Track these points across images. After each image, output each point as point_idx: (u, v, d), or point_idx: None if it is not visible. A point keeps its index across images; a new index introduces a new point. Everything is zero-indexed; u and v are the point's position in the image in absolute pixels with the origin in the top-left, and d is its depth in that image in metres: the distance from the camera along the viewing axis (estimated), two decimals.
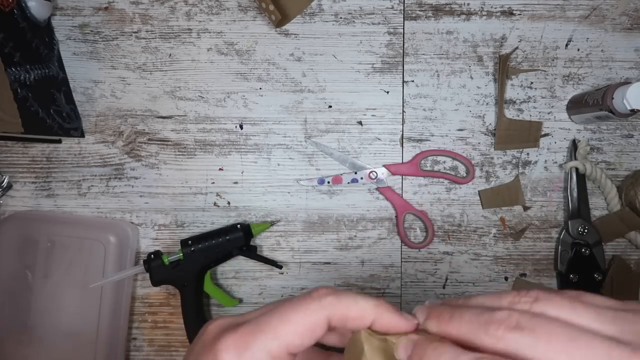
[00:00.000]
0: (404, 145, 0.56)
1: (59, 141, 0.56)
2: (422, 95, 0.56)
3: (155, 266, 0.51)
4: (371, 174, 0.55)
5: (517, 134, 0.55)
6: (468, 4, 0.56)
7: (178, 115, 0.56)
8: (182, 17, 0.56)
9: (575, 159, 0.54)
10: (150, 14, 0.56)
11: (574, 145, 0.55)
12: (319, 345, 0.25)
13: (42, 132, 0.50)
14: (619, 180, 0.56)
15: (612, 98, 0.47)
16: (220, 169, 0.56)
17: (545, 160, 0.56)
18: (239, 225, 0.53)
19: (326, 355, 0.27)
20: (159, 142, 0.56)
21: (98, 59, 0.56)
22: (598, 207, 0.55)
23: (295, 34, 0.56)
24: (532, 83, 0.56)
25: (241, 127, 0.56)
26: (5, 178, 0.55)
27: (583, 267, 0.54)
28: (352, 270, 0.56)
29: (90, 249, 0.52)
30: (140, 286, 0.56)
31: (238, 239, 0.53)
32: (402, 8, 0.56)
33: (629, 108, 0.46)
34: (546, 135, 0.56)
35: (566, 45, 0.56)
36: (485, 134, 0.56)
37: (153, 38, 0.56)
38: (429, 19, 0.56)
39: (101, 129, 0.56)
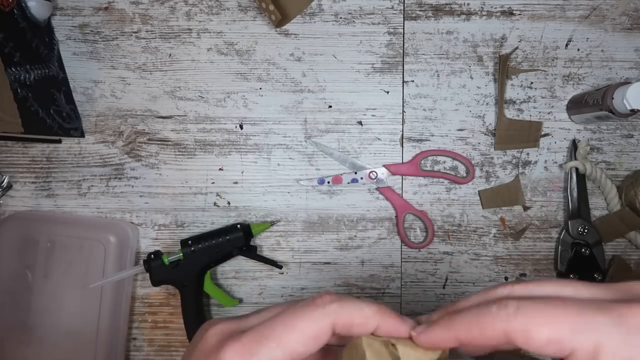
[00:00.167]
0: (404, 145, 0.56)
1: (59, 141, 0.56)
2: (422, 95, 0.56)
3: (155, 266, 0.51)
4: (371, 174, 0.55)
5: (517, 134, 0.55)
6: (468, 4, 0.56)
7: (178, 115, 0.56)
8: (182, 17, 0.56)
9: (575, 159, 0.54)
10: (150, 14, 0.56)
11: (574, 145, 0.55)
12: None
13: (42, 132, 0.50)
14: (619, 180, 0.56)
15: (612, 98, 0.47)
16: (220, 169, 0.56)
17: (545, 160, 0.56)
18: (239, 225, 0.53)
19: (323, 353, 0.27)
20: (159, 142, 0.56)
21: (98, 59, 0.56)
22: (598, 207, 0.55)
23: (295, 34, 0.56)
24: (532, 83, 0.56)
25: (241, 127, 0.56)
26: (5, 178, 0.55)
27: (583, 267, 0.54)
28: (352, 270, 0.56)
29: (90, 249, 0.52)
30: (140, 286, 0.56)
31: (238, 239, 0.53)
32: (402, 8, 0.56)
33: (629, 108, 0.46)
34: (546, 135, 0.56)
35: (566, 45, 0.56)
36: (485, 134, 0.56)
37: (153, 38, 0.56)
38: (429, 19, 0.56)
39: (101, 129, 0.56)
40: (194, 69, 0.56)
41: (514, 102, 0.56)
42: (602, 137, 0.56)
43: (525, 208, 0.56)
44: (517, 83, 0.56)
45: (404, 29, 0.56)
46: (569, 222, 0.54)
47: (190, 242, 0.52)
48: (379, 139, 0.56)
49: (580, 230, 0.54)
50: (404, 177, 0.56)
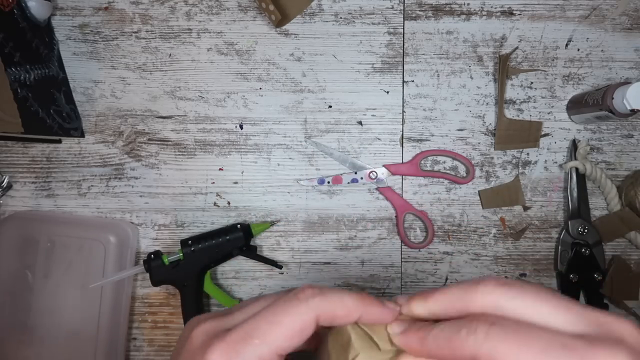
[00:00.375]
0: (404, 145, 0.56)
1: (59, 141, 0.56)
2: (422, 95, 0.56)
3: (155, 266, 0.51)
4: (371, 174, 0.55)
5: (517, 134, 0.55)
6: (468, 4, 0.56)
7: (178, 115, 0.56)
8: (182, 17, 0.56)
9: (575, 159, 0.54)
10: (150, 14, 0.56)
11: (574, 145, 0.55)
12: None
13: (42, 132, 0.50)
14: (619, 180, 0.56)
15: (612, 98, 0.47)
16: (220, 169, 0.56)
17: (545, 160, 0.56)
18: (239, 225, 0.53)
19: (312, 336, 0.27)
20: (159, 142, 0.56)
21: (98, 59, 0.56)
22: (598, 207, 0.55)
23: (295, 34, 0.56)
24: (532, 83, 0.56)
25: (241, 127, 0.56)
26: (5, 178, 0.55)
27: (583, 267, 0.54)
28: (352, 270, 0.56)
29: (90, 249, 0.52)
30: (140, 286, 0.56)
31: (238, 239, 0.53)
32: (402, 8, 0.56)
33: (629, 108, 0.46)
34: (546, 135, 0.56)
35: (566, 45, 0.56)
36: (485, 134, 0.56)
37: (153, 38, 0.56)
38: (429, 19, 0.56)
39: (101, 129, 0.56)
40: (194, 69, 0.56)
41: (514, 102, 0.56)
42: (602, 137, 0.56)
43: (525, 208, 0.56)
44: (517, 83, 0.56)
45: (404, 29, 0.56)
46: (569, 222, 0.54)
47: (190, 242, 0.52)
48: (379, 139, 0.56)
49: (580, 230, 0.54)
50: (404, 177, 0.56)
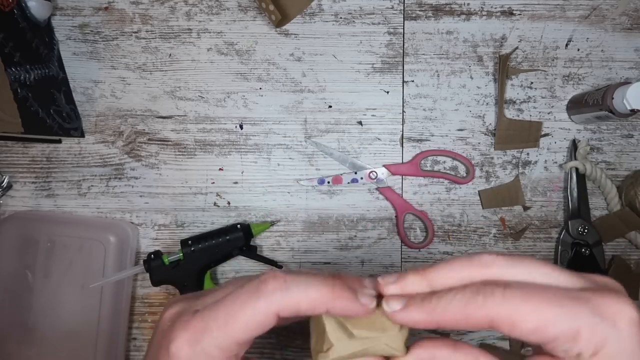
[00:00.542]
0: (404, 145, 0.56)
1: (59, 141, 0.56)
2: (422, 95, 0.56)
3: (155, 266, 0.51)
4: (371, 174, 0.55)
5: (517, 134, 0.55)
6: (468, 4, 0.56)
7: (178, 115, 0.56)
8: (182, 17, 0.56)
9: (575, 159, 0.54)
10: (150, 14, 0.56)
11: (574, 145, 0.55)
12: None
13: (42, 132, 0.50)
14: (619, 180, 0.56)
15: (612, 98, 0.47)
16: (220, 169, 0.56)
17: (545, 160, 0.56)
18: (239, 225, 0.53)
19: None
20: (159, 142, 0.56)
21: (98, 59, 0.56)
22: (598, 207, 0.55)
23: (295, 34, 0.56)
24: (532, 83, 0.56)
25: (241, 127, 0.56)
26: (5, 178, 0.55)
27: (583, 267, 0.54)
28: (352, 270, 0.56)
29: (90, 249, 0.52)
30: (140, 286, 0.56)
31: (238, 239, 0.53)
32: (402, 8, 0.56)
33: (629, 108, 0.46)
34: (546, 135, 0.56)
35: (566, 45, 0.56)
36: (485, 134, 0.56)
37: (153, 38, 0.56)
38: (429, 19, 0.56)
39: (101, 129, 0.56)
40: (194, 69, 0.56)
41: (514, 102, 0.56)
42: (602, 137, 0.56)
43: (525, 208, 0.56)
44: (517, 83, 0.56)
45: (404, 29, 0.56)
46: (569, 222, 0.54)
47: (190, 242, 0.52)
48: (379, 139, 0.56)
49: (580, 230, 0.54)
50: (404, 177, 0.56)
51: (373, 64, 0.56)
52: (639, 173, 0.54)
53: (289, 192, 0.56)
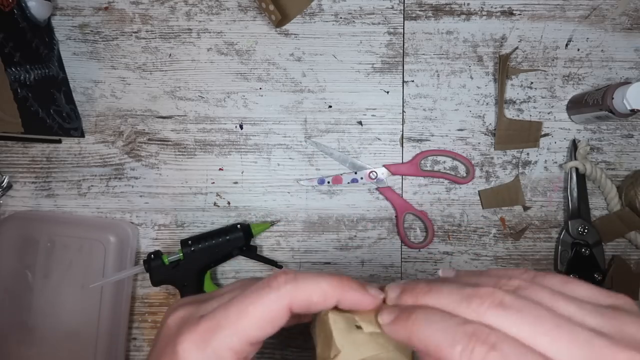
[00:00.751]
0: (404, 145, 0.56)
1: (59, 141, 0.56)
2: (422, 95, 0.56)
3: (155, 266, 0.51)
4: (371, 174, 0.55)
5: (517, 134, 0.55)
6: (468, 4, 0.56)
7: (178, 115, 0.56)
8: (182, 17, 0.56)
9: (575, 159, 0.54)
10: (150, 14, 0.56)
11: (574, 145, 0.55)
12: None
13: (42, 132, 0.50)
14: (619, 180, 0.56)
15: (612, 98, 0.47)
16: (220, 169, 0.56)
17: (545, 160, 0.56)
18: (239, 225, 0.53)
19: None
20: (159, 142, 0.56)
21: (98, 59, 0.56)
22: (598, 207, 0.55)
23: (295, 34, 0.56)
24: (532, 83, 0.56)
25: (241, 127, 0.56)
26: (5, 178, 0.55)
27: (583, 267, 0.54)
28: (352, 270, 0.56)
29: (90, 249, 0.52)
30: (140, 286, 0.56)
31: (238, 239, 0.53)
32: (402, 8, 0.56)
33: (629, 108, 0.46)
34: (546, 135, 0.56)
35: (566, 45, 0.56)
36: (485, 134, 0.56)
37: (153, 38, 0.56)
38: (429, 19, 0.56)
39: (101, 129, 0.56)
40: (194, 69, 0.56)
41: (514, 102, 0.56)
42: (602, 137, 0.56)
43: (525, 208, 0.56)
44: (517, 83, 0.56)
45: (404, 29, 0.56)
46: (569, 222, 0.54)
47: (190, 242, 0.52)
48: (379, 139, 0.56)
49: (580, 230, 0.54)
50: (404, 177, 0.56)
51: (373, 64, 0.56)
52: (639, 173, 0.54)
53: (289, 192, 0.56)
